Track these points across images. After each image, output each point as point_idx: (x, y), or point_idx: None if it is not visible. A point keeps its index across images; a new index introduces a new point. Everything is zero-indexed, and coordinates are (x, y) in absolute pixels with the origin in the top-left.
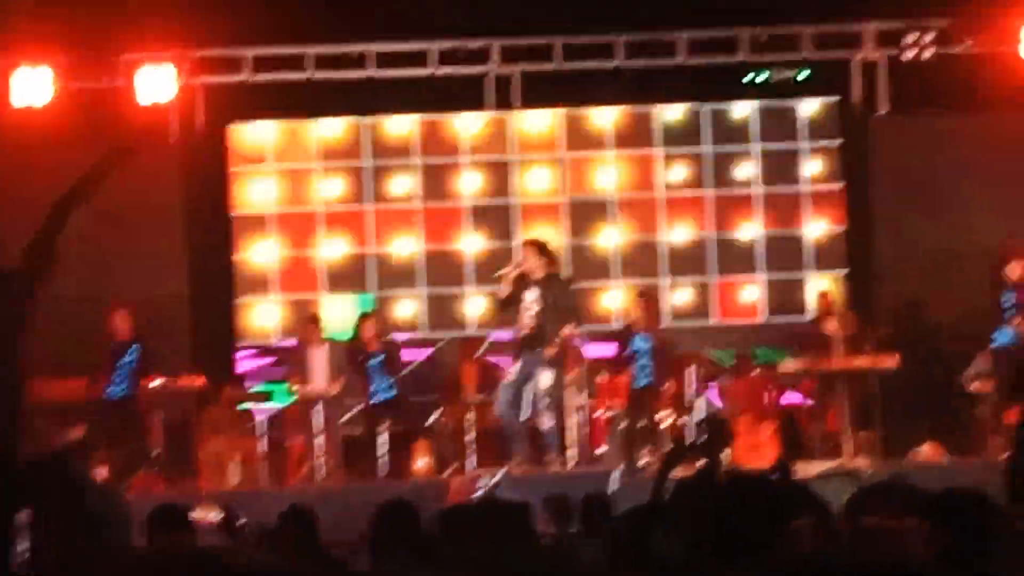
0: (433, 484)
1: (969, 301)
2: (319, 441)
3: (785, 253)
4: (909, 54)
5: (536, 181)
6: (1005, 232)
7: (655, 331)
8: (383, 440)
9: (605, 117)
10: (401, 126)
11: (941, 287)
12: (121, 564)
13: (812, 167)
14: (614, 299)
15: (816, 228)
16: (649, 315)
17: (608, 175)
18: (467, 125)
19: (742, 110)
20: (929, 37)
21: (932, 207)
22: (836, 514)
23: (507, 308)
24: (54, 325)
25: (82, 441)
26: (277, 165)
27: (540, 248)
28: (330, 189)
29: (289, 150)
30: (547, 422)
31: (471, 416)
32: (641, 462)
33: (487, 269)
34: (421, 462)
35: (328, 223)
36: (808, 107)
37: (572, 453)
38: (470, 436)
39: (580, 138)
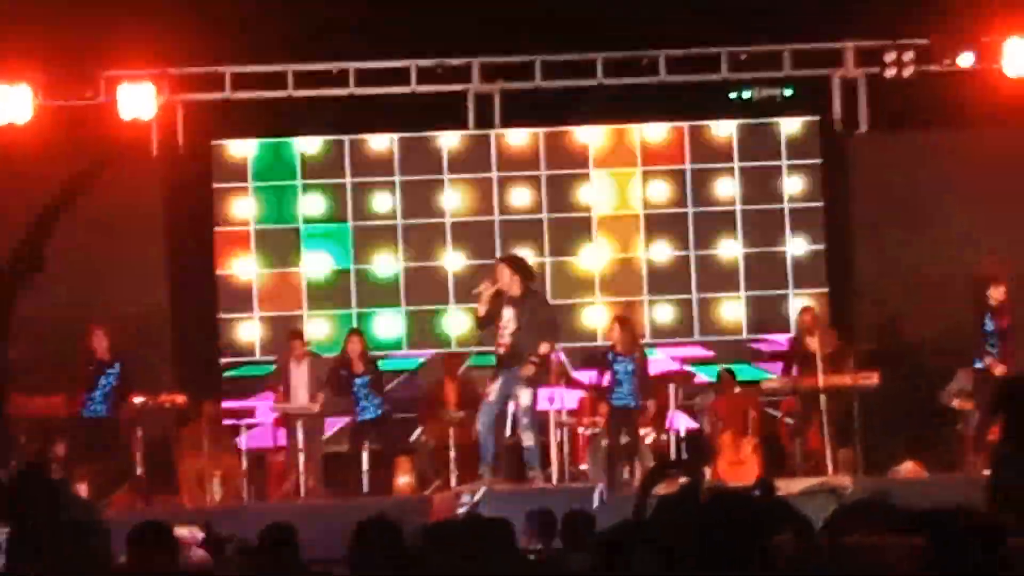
0: (415, 501)
1: (950, 318)
2: (300, 457)
3: (766, 271)
4: (889, 72)
5: (517, 199)
6: (986, 249)
7: (633, 353)
8: (365, 457)
9: (586, 135)
10: (382, 144)
11: (922, 304)
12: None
13: (793, 185)
14: (595, 317)
15: (797, 246)
16: (626, 338)
17: (589, 193)
18: (448, 143)
19: (723, 128)
20: (909, 55)
21: (913, 224)
22: (817, 531)
23: (485, 326)
24: (36, 340)
25: (63, 457)
26: (259, 182)
27: (514, 265)
28: (311, 206)
29: (271, 167)
30: (529, 439)
31: (453, 433)
32: (623, 478)
33: (468, 286)
34: (403, 479)
35: (309, 240)
36: (789, 125)
37: (554, 470)
38: (452, 453)
39: (561, 156)
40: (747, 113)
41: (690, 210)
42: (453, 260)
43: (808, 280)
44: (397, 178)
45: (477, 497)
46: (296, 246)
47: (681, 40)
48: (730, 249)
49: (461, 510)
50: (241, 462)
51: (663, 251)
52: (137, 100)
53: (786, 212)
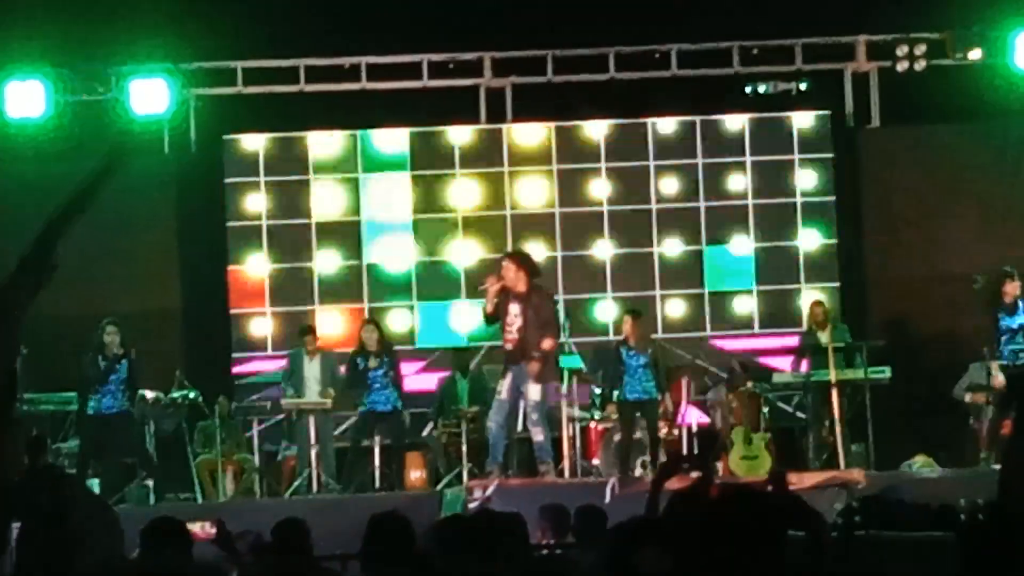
0: (426, 496)
1: (962, 313)
2: (312, 453)
3: (778, 265)
4: (901, 66)
5: (529, 193)
6: (996, 243)
7: (647, 347)
8: (377, 452)
9: (597, 129)
10: (394, 138)
11: (934, 299)
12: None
13: (805, 179)
14: (606, 311)
15: (809, 240)
16: (639, 332)
17: (601, 187)
18: (460, 137)
19: (735, 123)
20: (921, 49)
21: (925, 219)
22: (829, 526)
23: (492, 322)
24: (47, 336)
25: (76, 453)
26: (271, 177)
27: (520, 261)
28: (324, 201)
29: (283, 162)
30: (539, 434)
31: (465, 428)
32: (636, 473)
33: (480, 281)
34: (415, 474)
35: (322, 235)
36: (801, 119)
37: (566, 464)
38: (464, 448)
39: (572, 150)
40: (759, 107)
41: (702, 204)
42: (465, 255)
43: (820, 274)
44: (409, 173)
45: (489, 492)
46: (308, 241)
47: (693, 34)
48: (742, 244)
49: (472, 505)
50: (254, 457)
51: (675, 245)
52: (151, 95)
53: (798, 206)
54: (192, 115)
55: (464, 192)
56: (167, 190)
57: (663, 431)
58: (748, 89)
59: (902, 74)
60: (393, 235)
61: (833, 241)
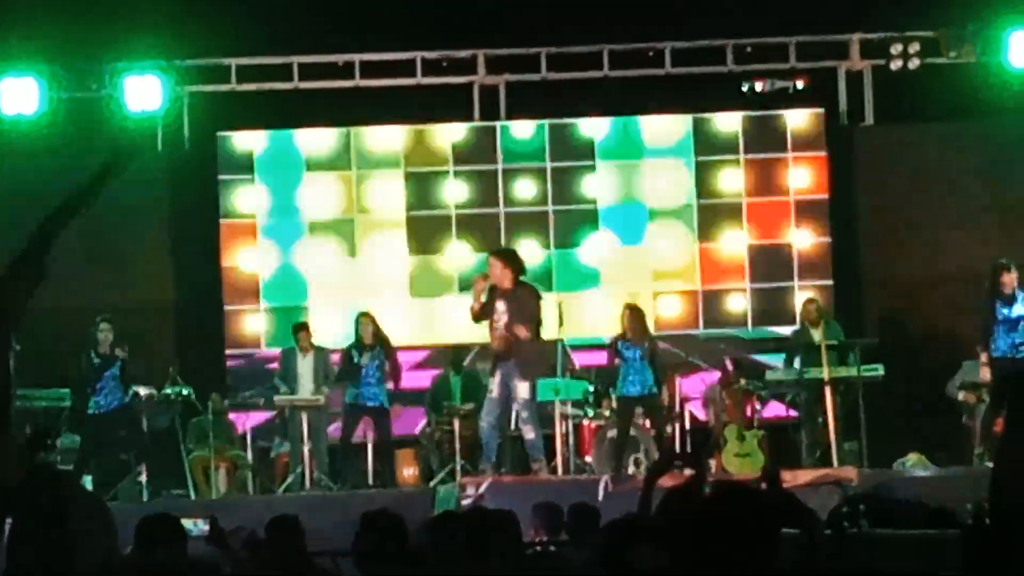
0: (419, 493)
1: (955, 310)
2: (305, 449)
3: (771, 263)
4: (895, 64)
5: (522, 191)
6: (989, 241)
7: (644, 341)
8: (370, 449)
9: (591, 127)
10: (387, 136)
11: (926, 296)
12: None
13: (798, 177)
14: (600, 309)
15: (802, 238)
16: (637, 325)
17: (594, 185)
18: (453, 135)
19: (728, 120)
20: (915, 47)
21: (918, 217)
22: (823, 523)
23: (480, 320)
24: (41, 333)
25: (69, 449)
26: (264, 174)
27: (506, 259)
28: (317, 198)
29: (276, 159)
30: (530, 432)
31: (458, 426)
32: (629, 471)
33: (472, 283)
34: (408, 471)
35: (315, 232)
36: (794, 117)
37: (559, 462)
38: (458, 445)
39: (566, 148)
40: (753, 105)
41: (695, 202)
42: (458, 252)
43: (813, 272)
44: (402, 170)
45: (482, 490)
46: (302, 238)
47: (687, 32)
48: (735, 241)
49: (466, 502)
50: (247, 454)
51: (668, 243)
52: (144, 92)
53: (792, 204)
54: (186, 112)
55: (457, 189)
56: (161, 187)
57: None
58: (745, 87)
59: (896, 72)
60: (386, 232)
61: (827, 239)
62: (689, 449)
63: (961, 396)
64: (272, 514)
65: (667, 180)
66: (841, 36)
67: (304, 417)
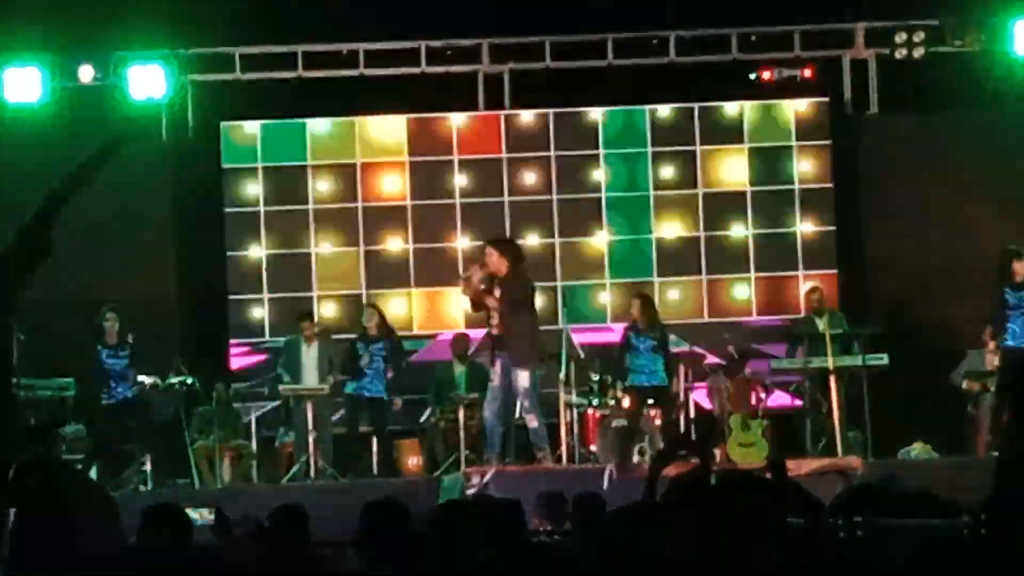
0: (424, 482)
1: (960, 299)
2: (310, 439)
3: (776, 252)
4: (900, 53)
5: (527, 180)
6: (994, 229)
7: (655, 331)
8: (374, 439)
9: (596, 116)
10: (391, 125)
11: (932, 285)
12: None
13: (803, 166)
14: (604, 298)
15: (807, 227)
16: (648, 315)
17: (599, 174)
18: (458, 123)
19: (733, 109)
20: (920, 36)
21: (923, 206)
22: (827, 512)
23: (479, 310)
24: (44, 322)
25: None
26: (269, 163)
27: (502, 247)
28: (322, 187)
29: (280, 148)
30: (533, 420)
31: (462, 415)
32: (634, 460)
33: (465, 269)
34: (412, 461)
35: (319, 221)
36: (799, 106)
37: (563, 451)
38: (462, 435)
39: (571, 137)
40: (757, 94)
41: (700, 191)
42: (463, 241)
43: (818, 262)
44: (407, 159)
45: (487, 479)
46: (306, 227)
47: (691, 21)
48: (740, 230)
49: (470, 492)
50: (251, 443)
51: (673, 232)
52: (148, 80)
53: (796, 193)
54: (190, 101)
55: (462, 179)
56: (165, 176)
57: (660, 418)
58: (752, 76)
59: (901, 61)
60: (391, 221)
61: (831, 228)
62: (694, 438)
63: (966, 385)
64: (276, 504)
65: (672, 169)
66: (846, 25)
67: (309, 406)
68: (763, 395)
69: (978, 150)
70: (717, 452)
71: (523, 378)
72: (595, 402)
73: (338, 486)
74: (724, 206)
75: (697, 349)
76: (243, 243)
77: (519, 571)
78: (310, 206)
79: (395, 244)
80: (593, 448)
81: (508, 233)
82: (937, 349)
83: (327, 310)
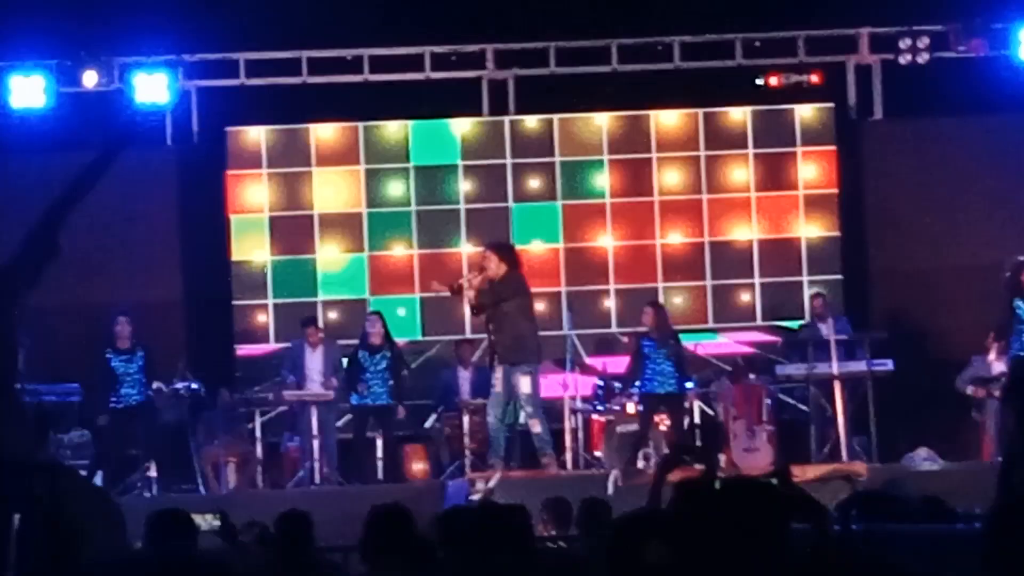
0: (429, 488)
1: (965, 305)
2: (315, 444)
3: (780, 258)
4: (904, 58)
5: (531, 185)
6: (999, 236)
7: (668, 339)
8: (379, 444)
9: (600, 122)
10: (396, 130)
11: (936, 291)
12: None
13: (807, 171)
14: (608, 304)
15: (811, 232)
16: (661, 322)
17: (603, 179)
18: (462, 129)
19: (737, 115)
20: (924, 41)
21: (927, 211)
22: (832, 518)
23: (478, 314)
24: (50, 329)
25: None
26: (273, 169)
27: (500, 252)
28: (326, 193)
29: (285, 154)
30: (536, 425)
31: (467, 421)
32: (638, 465)
33: (469, 271)
34: (417, 466)
35: (324, 226)
36: (803, 112)
37: (568, 456)
38: (467, 440)
39: (575, 142)
40: (761, 100)
41: (704, 197)
42: (467, 246)
43: (822, 267)
44: (411, 164)
45: (491, 484)
46: (310, 233)
47: (695, 27)
48: (744, 236)
49: (475, 497)
50: (256, 448)
51: (677, 238)
52: (153, 86)
53: (800, 199)
54: (194, 107)
55: (466, 184)
56: (169, 182)
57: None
58: (759, 81)
59: (905, 67)
60: (395, 227)
61: (836, 234)
62: (699, 444)
63: (971, 391)
64: (281, 509)
65: (676, 174)
66: (850, 30)
67: (313, 412)
68: (768, 401)
69: (983, 156)
70: (722, 458)
71: (523, 383)
72: (600, 408)
73: (343, 491)
74: (728, 211)
75: (701, 353)
76: (248, 248)
77: None
78: (315, 211)
79: (399, 249)
80: (598, 454)
81: (512, 239)
82: (942, 355)
83: (332, 315)
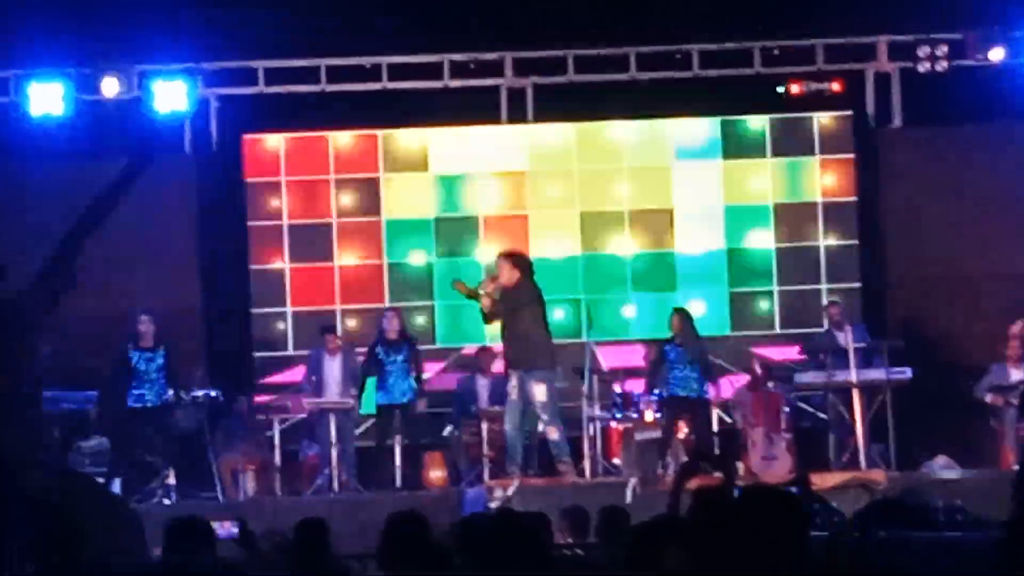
0: (447, 496)
1: (983, 312)
2: (333, 452)
3: (799, 265)
4: (923, 66)
5: (550, 193)
6: (1017, 244)
7: (693, 344)
8: (397, 451)
9: (619, 130)
10: (414, 138)
11: (955, 299)
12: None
13: (826, 180)
14: (627, 311)
15: (830, 240)
16: (686, 329)
17: (622, 187)
18: (480, 137)
19: (756, 123)
20: (943, 49)
21: (946, 219)
22: (851, 526)
23: (491, 322)
24: (69, 336)
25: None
26: (291, 176)
27: (513, 260)
28: (344, 200)
29: (304, 162)
30: (554, 432)
31: (486, 428)
32: (658, 472)
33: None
34: (435, 473)
35: (342, 234)
36: (822, 120)
37: (587, 464)
38: (485, 448)
39: (593, 150)
40: (780, 108)
41: (722, 205)
42: (485, 254)
43: (841, 275)
44: (430, 173)
45: (510, 492)
46: (329, 240)
47: (714, 35)
48: (763, 243)
49: (493, 505)
50: (274, 456)
51: (696, 246)
52: (172, 94)
53: (819, 207)
54: (213, 115)
55: (485, 192)
56: (188, 190)
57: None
58: (781, 89)
59: (924, 75)
60: (414, 234)
61: (854, 242)
62: (717, 452)
63: (989, 399)
64: (299, 517)
65: (695, 182)
66: (869, 38)
67: (332, 419)
68: (786, 409)
69: (1001, 163)
70: (740, 466)
71: (539, 391)
72: (618, 415)
73: (361, 499)
74: (747, 219)
75: (720, 363)
76: (266, 256)
77: None
78: (333, 219)
79: (418, 257)
80: (616, 461)
81: (531, 247)
82: (960, 362)
83: (350, 323)
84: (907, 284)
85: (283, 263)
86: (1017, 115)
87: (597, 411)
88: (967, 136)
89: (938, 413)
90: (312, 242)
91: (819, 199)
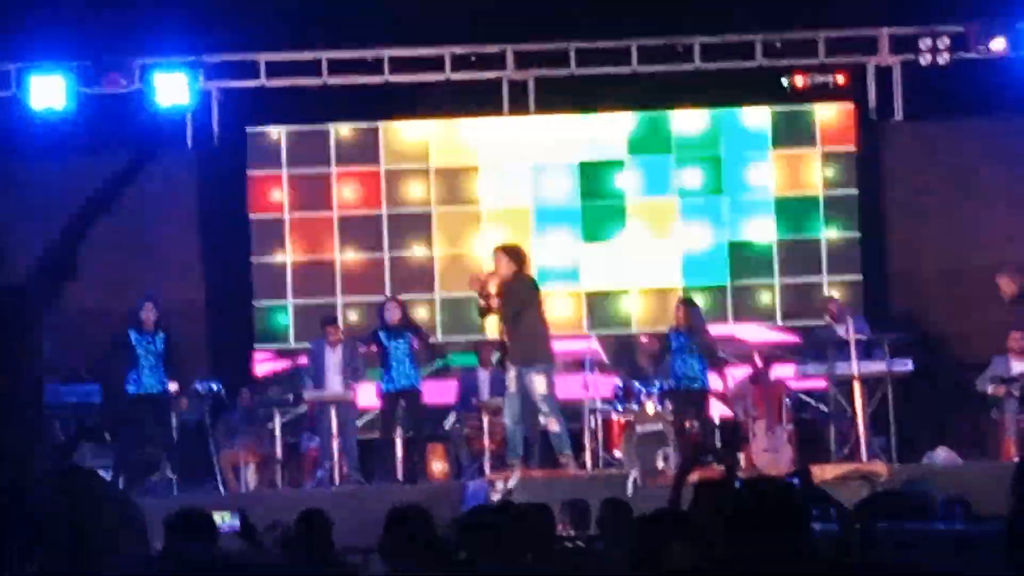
0: (449, 488)
1: (984, 305)
2: (334, 444)
3: (800, 258)
4: (925, 59)
5: (551, 186)
6: (1019, 237)
7: (696, 334)
8: (399, 444)
9: (620, 122)
10: (416, 131)
11: (956, 291)
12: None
13: (827, 172)
14: (628, 304)
15: (831, 233)
16: (691, 319)
17: (623, 180)
18: (482, 130)
19: (757, 115)
20: (944, 42)
21: (947, 212)
22: (852, 518)
23: (487, 316)
24: (71, 330)
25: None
26: (293, 169)
27: (511, 254)
28: (346, 193)
29: (305, 154)
30: (554, 424)
31: (487, 421)
32: (658, 466)
33: (474, 279)
34: (437, 466)
35: (343, 227)
36: (823, 112)
37: (588, 456)
38: (487, 441)
39: (595, 143)
40: (782, 100)
41: (724, 197)
42: (487, 247)
43: (842, 268)
44: (432, 165)
45: (511, 484)
46: (330, 233)
47: (716, 27)
48: (764, 236)
49: (495, 497)
50: (276, 449)
51: (697, 238)
52: (173, 88)
53: (820, 199)
54: (215, 108)
55: (487, 184)
56: (190, 182)
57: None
58: (785, 82)
59: (926, 67)
60: (416, 227)
61: (855, 234)
62: (719, 444)
63: (991, 390)
64: (301, 510)
65: (696, 175)
66: (870, 31)
67: (333, 412)
68: (787, 401)
69: (1003, 156)
70: (741, 458)
71: (538, 383)
72: (619, 407)
73: (362, 492)
74: (748, 212)
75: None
76: (268, 249)
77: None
78: (335, 212)
79: (419, 250)
80: (617, 454)
81: (533, 239)
82: (962, 354)
83: (352, 316)
84: (908, 277)
85: (284, 256)
86: (1019, 107)
87: (598, 403)
88: (969, 129)
89: (939, 405)
90: (314, 235)
91: (820, 191)
